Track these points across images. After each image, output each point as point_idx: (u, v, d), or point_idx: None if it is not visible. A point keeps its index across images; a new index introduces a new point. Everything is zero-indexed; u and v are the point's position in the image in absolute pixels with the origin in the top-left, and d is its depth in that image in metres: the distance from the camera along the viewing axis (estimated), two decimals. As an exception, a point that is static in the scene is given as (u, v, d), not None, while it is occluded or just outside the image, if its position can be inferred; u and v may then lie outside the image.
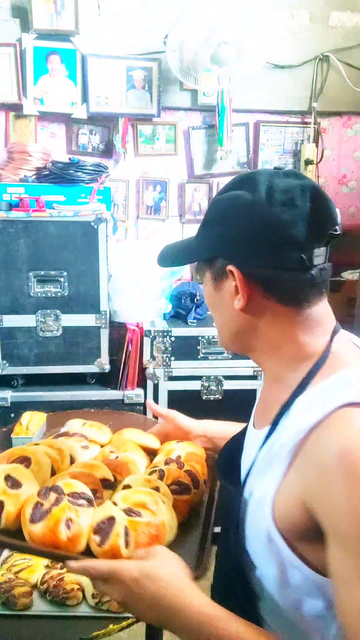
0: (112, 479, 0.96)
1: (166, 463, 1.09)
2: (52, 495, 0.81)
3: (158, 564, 0.75)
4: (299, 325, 0.77)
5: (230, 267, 0.77)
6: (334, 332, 0.78)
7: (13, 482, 0.84)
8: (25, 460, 0.91)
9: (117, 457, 1.10)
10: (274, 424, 0.76)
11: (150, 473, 1.04)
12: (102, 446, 1.21)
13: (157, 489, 0.92)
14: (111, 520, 0.80)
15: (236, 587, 0.82)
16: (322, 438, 0.67)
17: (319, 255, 0.76)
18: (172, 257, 0.89)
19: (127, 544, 0.79)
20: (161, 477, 0.99)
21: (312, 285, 0.76)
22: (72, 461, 1.03)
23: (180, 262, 0.90)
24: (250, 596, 0.80)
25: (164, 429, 1.26)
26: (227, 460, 0.88)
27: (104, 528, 0.80)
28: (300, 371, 0.76)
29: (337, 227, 0.79)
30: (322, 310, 0.78)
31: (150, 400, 1.28)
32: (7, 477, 0.84)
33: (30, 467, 0.90)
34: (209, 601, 0.74)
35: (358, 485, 0.63)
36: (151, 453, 1.21)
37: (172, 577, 0.74)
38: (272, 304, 0.77)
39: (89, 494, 0.84)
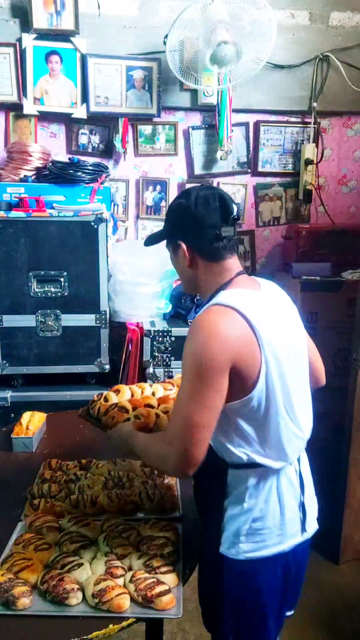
0: (154, 404, 1.63)
1: None
2: (113, 406, 1.61)
3: (120, 425, 1.51)
4: (217, 271, 1.31)
5: (179, 242, 1.32)
6: (238, 274, 1.31)
7: (105, 399, 1.66)
8: (117, 391, 1.70)
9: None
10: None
11: None
12: None
13: (166, 411, 1.58)
14: (128, 419, 1.55)
15: None
16: (194, 319, 1.24)
17: (227, 231, 1.28)
18: (150, 239, 1.43)
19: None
20: None
21: (223, 248, 1.29)
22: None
23: (154, 242, 1.42)
24: None
25: None
26: None
27: (124, 421, 1.54)
28: (213, 292, 1.30)
29: (235, 214, 1.29)
30: (232, 262, 1.32)
31: None
32: (104, 397, 1.67)
33: (118, 394, 1.69)
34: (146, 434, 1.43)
35: (189, 340, 1.20)
36: None
37: (125, 429, 1.47)
38: (203, 260, 1.31)
39: (129, 407, 1.60)
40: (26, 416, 2.04)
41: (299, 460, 1.37)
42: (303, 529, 1.34)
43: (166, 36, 2.48)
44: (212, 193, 1.30)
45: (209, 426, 1.18)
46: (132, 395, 1.72)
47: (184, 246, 1.31)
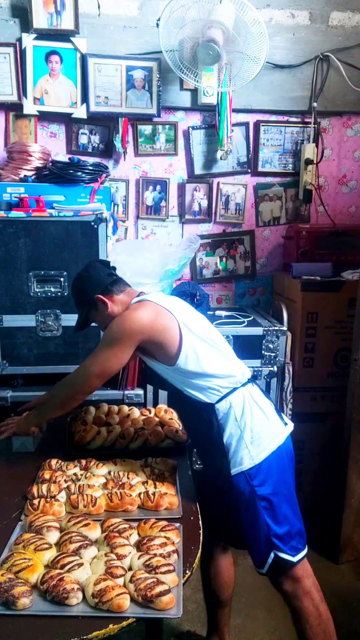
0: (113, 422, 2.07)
1: None
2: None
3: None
4: (125, 298, 1.77)
5: (95, 297, 1.75)
6: (139, 294, 1.78)
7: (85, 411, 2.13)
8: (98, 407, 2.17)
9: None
10: None
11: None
12: None
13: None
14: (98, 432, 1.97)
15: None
16: None
17: (114, 275, 1.83)
18: (79, 325, 1.85)
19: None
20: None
21: (120, 284, 1.80)
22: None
23: (84, 323, 1.84)
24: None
25: None
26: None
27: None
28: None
29: (112, 265, 1.89)
30: (130, 289, 1.81)
31: None
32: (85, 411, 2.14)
33: (98, 409, 2.17)
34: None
35: (113, 324, 1.66)
36: None
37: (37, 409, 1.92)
38: (114, 296, 1.77)
39: (88, 421, 2.05)
40: (26, 416, 2.04)
41: (256, 384, 1.78)
42: (285, 423, 1.75)
43: (159, 19, 2.44)
44: (88, 262, 1.89)
45: (101, 377, 1.67)
46: (108, 413, 2.13)
47: (99, 296, 1.75)
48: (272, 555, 1.66)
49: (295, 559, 1.68)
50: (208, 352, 1.68)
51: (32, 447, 1.90)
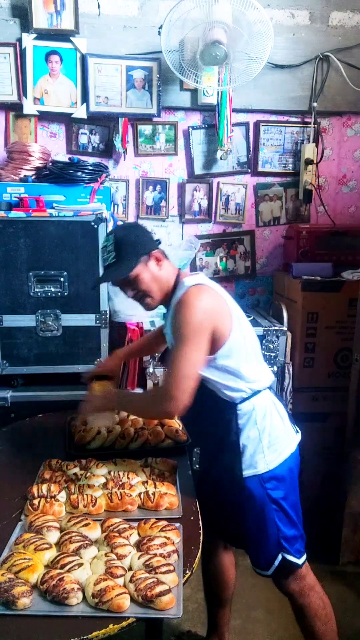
0: None
1: None
2: None
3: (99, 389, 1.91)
4: (169, 266, 1.69)
5: (149, 253, 1.64)
6: (177, 273, 1.70)
7: None
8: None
9: None
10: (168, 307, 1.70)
11: None
12: None
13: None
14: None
15: None
16: (180, 299, 1.58)
17: (157, 240, 1.72)
18: (112, 275, 1.68)
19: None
20: None
21: (164, 252, 1.70)
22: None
23: (126, 272, 1.64)
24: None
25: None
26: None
27: None
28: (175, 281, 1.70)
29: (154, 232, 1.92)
30: (170, 262, 1.73)
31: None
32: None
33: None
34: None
35: (181, 313, 1.53)
36: None
37: (105, 388, 1.90)
38: (162, 260, 1.67)
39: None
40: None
41: (272, 389, 1.75)
42: (296, 431, 1.77)
43: (161, 27, 2.45)
44: (131, 223, 1.91)
45: (194, 378, 1.54)
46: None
47: (154, 252, 1.65)
48: (280, 557, 1.67)
49: (300, 562, 1.70)
50: (246, 353, 1.65)
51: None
